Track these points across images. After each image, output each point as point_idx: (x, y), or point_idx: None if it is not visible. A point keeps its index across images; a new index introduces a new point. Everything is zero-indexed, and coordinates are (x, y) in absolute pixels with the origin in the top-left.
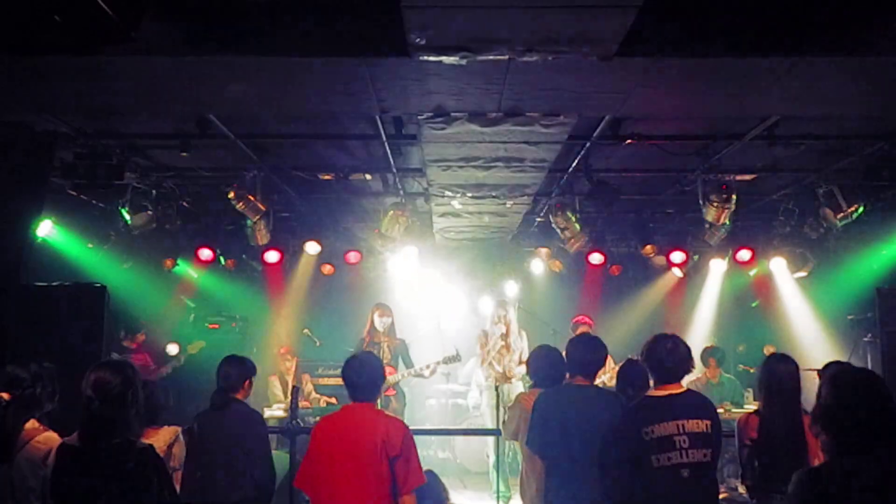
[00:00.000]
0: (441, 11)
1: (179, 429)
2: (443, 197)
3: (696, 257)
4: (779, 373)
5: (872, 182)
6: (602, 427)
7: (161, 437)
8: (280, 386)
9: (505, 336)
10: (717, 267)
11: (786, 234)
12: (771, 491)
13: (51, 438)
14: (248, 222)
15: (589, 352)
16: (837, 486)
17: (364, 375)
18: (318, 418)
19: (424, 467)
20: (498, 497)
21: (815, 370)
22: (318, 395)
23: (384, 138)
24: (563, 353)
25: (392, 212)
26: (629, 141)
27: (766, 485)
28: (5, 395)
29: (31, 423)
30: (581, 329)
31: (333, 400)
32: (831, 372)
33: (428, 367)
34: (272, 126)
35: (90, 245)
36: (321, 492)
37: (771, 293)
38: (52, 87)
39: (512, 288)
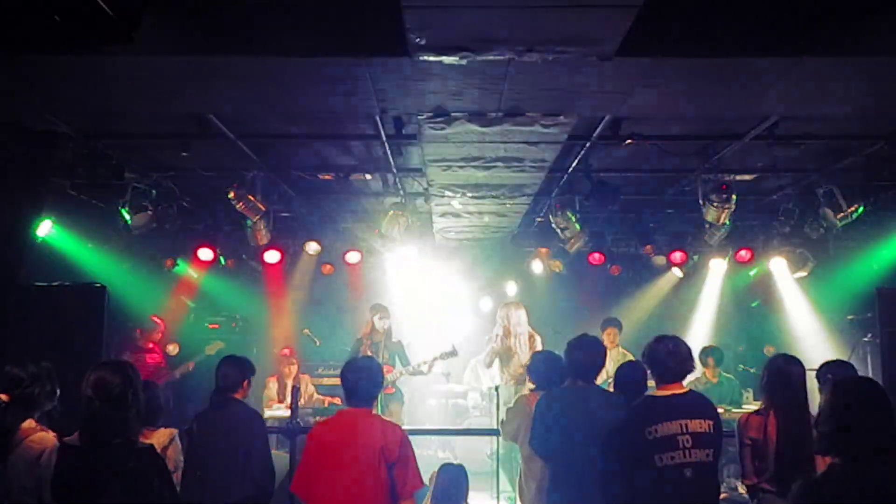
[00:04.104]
0: (441, 11)
1: (175, 431)
2: (443, 197)
3: (696, 257)
4: (787, 374)
5: (872, 182)
6: (603, 428)
7: (156, 439)
8: (277, 388)
9: (503, 337)
10: (717, 267)
11: (786, 234)
12: (773, 491)
13: (45, 438)
14: (248, 222)
15: (584, 355)
16: (838, 496)
17: (363, 380)
18: (318, 418)
19: (428, 467)
20: (498, 497)
21: (814, 370)
22: (320, 397)
23: (384, 138)
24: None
25: (392, 212)
26: (629, 141)
27: (769, 485)
28: (4, 397)
29: (28, 423)
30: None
31: (337, 400)
32: (832, 380)
33: (426, 362)
34: (272, 126)
35: (90, 245)
36: (318, 497)
37: (771, 293)
38: (52, 87)
39: (512, 288)
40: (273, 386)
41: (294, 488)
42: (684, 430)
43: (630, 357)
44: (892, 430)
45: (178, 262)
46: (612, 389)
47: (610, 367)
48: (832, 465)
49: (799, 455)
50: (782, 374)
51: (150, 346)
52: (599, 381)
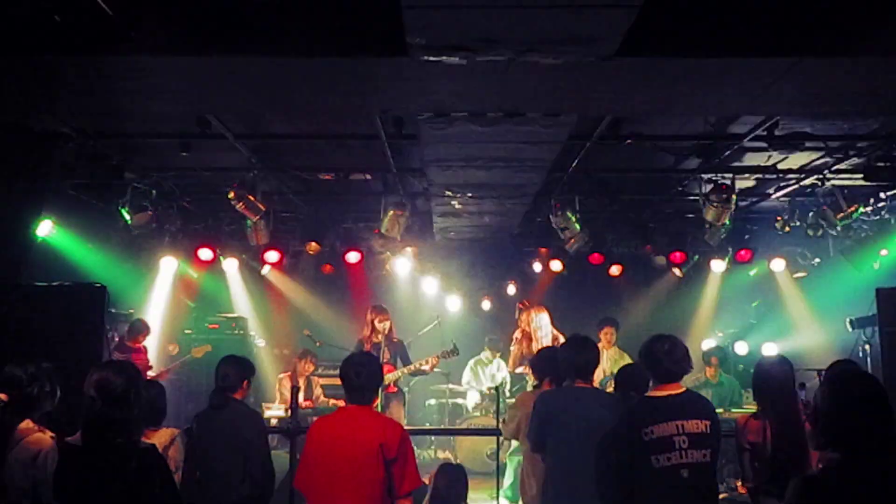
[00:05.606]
0: (441, 11)
1: (177, 431)
2: (443, 197)
3: (696, 257)
4: (773, 375)
5: (872, 182)
6: (601, 428)
7: (158, 439)
8: (289, 386)
9: (521, 341)
10: (717, 267)
11: (786, 234)
12: (773, 493)
13: (41, 440)
14: (248, 222)
15: (578, 355)
16: (834, 493)
17: (363, 377)
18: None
19: (428, 467)
20: (498, 497)
21: (814, 370)
22: (326, 399)
23: (384, 138)
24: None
25: (392, 212)
26: (629, 141)
27: (767, 487)
28: (3, 396)
29: (26, 423)
30: (605, 332)
31: (342, 402)
32: (828, 375)
33: (427, 361)
34: (272, 126)
35: (90, 245)
36: (317, 494)
37: (771, 293)
38: (52, 87)
39: (511, 288)
40: (287, 384)
41: (297, 484)
42: (680, 431)
43: (627, 357)
44: (890, 425)
45: (178, 262)
46: (611, 389)
47: (607, 366)
48: (830, 461)
49: (794, 455)
50: (768, 375)
51: (137, 346)
52: (596, 380)
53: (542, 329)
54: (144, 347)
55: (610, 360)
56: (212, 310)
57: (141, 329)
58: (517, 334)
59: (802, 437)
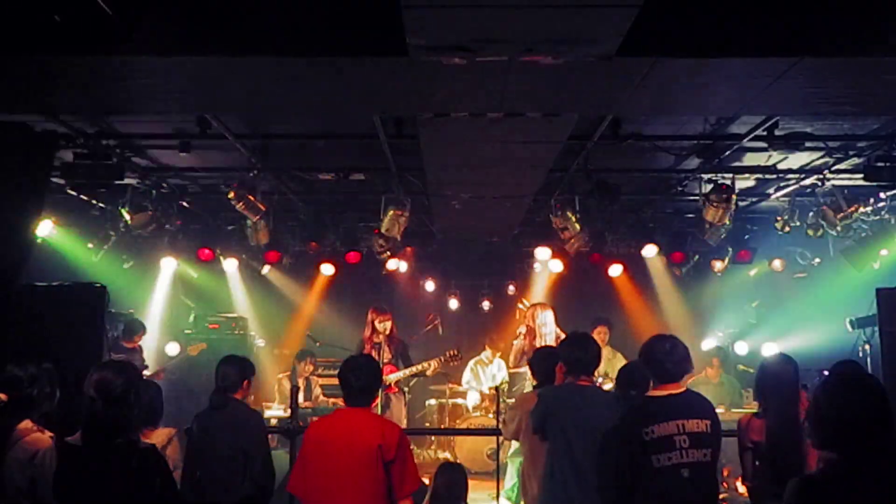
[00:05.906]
0: (441, 11)
1: (175, 431)
2: (443, 197)
3: (696, 257)
4: (777, 374)
5: (872, 182)
6: (602, 426)
7: (156, 439)
8: (289, 386)
9: (525, 336)
10: (717, 267)
11: (786, 234)
12: (772, 493)
13: (39, 439)
14: (248, 222)
15: (582, 352)
16: (832, 494)
17: (361, 379)
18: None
19: (426, 467)
20: (498, 497)
21: (815, 370)
22: (325, 398)
23: (384, 138)
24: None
25: (392, 212)
26: (629, 141)
27: (768, 487)
28: (2, 396)
29: (25, 423)
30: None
31: (341, 401)
32: (828, 375)
33: (429, 364)
34: (272, 126)
35: (90, 245)
36: (315, 496)
37: (771, 293)
38: (52, 87)
39: (511, 288)
40: (287, 384)
41: (291, 488)
42: (681, 431)
43: (620, 356)
44: (889, 426)
45: (178, 262)
46: (606, 388)
47: (601, 366)
48: (828, 461)
49: (793, 454)
50: (773, 374)
51: (131, 346)
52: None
53: (547, 326)
54: (140, 347)
55: (603, 360)
56: (212, 310)
57: (136, 329)
58: (521, 329)
59: (801, 437)
